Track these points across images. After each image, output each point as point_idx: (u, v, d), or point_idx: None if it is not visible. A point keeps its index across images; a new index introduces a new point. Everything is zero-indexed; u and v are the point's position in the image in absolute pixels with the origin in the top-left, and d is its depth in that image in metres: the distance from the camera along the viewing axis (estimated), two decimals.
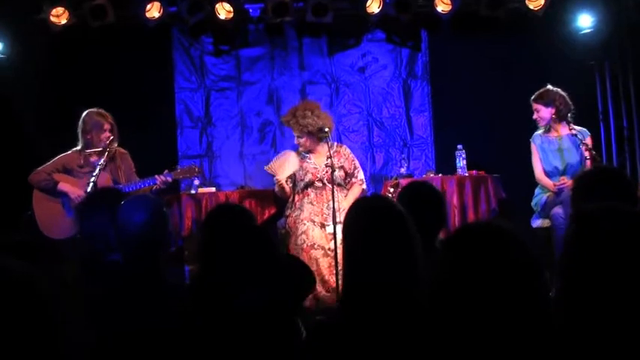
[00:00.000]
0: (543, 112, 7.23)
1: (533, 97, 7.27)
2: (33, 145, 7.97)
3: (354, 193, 7.49)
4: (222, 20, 8.41)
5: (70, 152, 7.03)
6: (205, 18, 8.41)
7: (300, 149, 7.62)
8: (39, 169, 6.98)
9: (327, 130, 7.31)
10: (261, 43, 9.18)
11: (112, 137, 6.90)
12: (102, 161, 6.65)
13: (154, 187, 6.83)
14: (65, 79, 8.41)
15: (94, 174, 6.55)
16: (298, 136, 7.54)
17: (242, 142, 9.10)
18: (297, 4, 8.42)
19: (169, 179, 6.92)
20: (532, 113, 7.32)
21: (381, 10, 8.37)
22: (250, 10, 8.56)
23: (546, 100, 7.21)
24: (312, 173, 7.46)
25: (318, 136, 7.45)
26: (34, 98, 8.24)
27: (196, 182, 7.95)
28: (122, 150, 7.13)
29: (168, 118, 9.07)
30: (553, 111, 7.19)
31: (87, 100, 7.58)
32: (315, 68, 9.19)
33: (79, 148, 7.00)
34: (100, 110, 7.02)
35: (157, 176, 6.87)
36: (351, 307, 2.91)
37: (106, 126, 6.94)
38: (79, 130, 6.99)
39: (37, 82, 8.27)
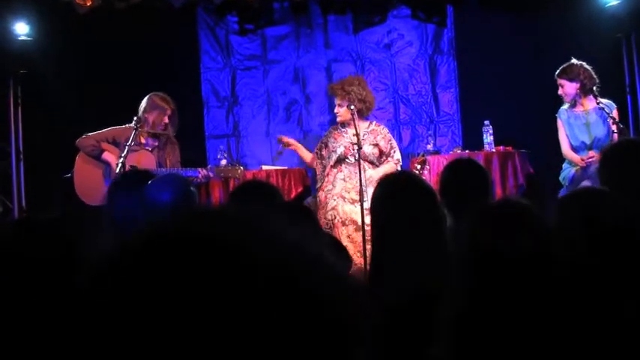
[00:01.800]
0: (568, 88, 7.20)
1: (557, 73, 7.25)
2: (61, 124, 8.03)
3: (386, 167, 7.35)
4: None
5: (124, 127, 7.07)
6: None
7: (339, 119, 7.51)
8: (89, 134, 7.09)
9: (352, 107, 7.26)
10: (287, 22, 9.17)
11: (168, 124, 7.04)
12: (130, 142, 6.68)
13: (194, 179, 6.84)
14: (91, 60, 8.43)
15: (122, 155, 6.57)
16: (339, 105, 7.43)
17: (268, 121, 9.11)
18: None
19: (211, 175, 6.98)
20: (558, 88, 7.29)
21: None
22: None
23: (570, 75, 7.17)
24: (345, 147, 7.38)
25: (359, 108, 7.41)
26: (61, 80, 8.28)
27: (223, 162, 7.95)
28: (174, 140, 7.22)
29: (194, 98, 9.08)
30: (578, 86, 7.15)
31: (113, 81, 7.64)
32: (340, 46, 9.16)
33: (131, 125, 7.07)
34: (166, 96, 7.14)
35: (199, 169, 6.93)
36: (378, 283, 2.91)
37: (168, 111, 7.06)
38: (141, 109, 7.07)
39: (63, 64, 8.30)
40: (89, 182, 7.00)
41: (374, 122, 7.65)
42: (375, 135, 7.46)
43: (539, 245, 2.07)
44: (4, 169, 8.58)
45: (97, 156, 7.02)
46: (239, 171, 7.12)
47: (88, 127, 7.22)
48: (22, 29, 8.30)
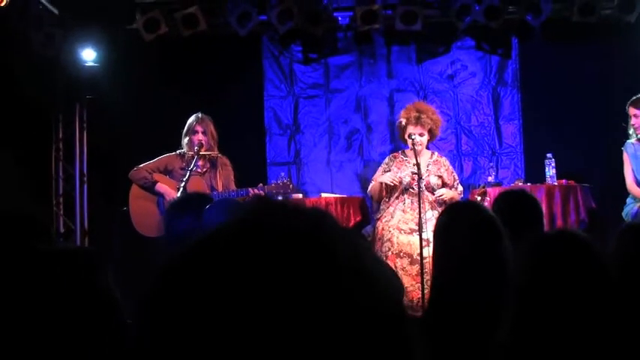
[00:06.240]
0: None
1: (632, 102, 7.09)
2: (125, 149, 8.15)
3: (454, 193, 7.36)
4: (311, 29, 8.45)
5: (172, 154, 7.15)
6: (295, 26, 8.45)
7: (419, 148, 7.24)
8: (140, 166, 7.10)
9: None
10: (350, 51, 9.21)
11: (202, 141, 6.98)
12: (192, 166, 6.74)
13: (245, 199, 6.86)
14: (157, 87, 8.53)
15: (184, 179, 6.64)
16: (420, 134, 7.25)
17: (329, 150, 9.13)
18: (385, 12, 8.41)
19: (262, 193, 6.94)
20: (625, 121, 7.16)
21: (470, 18, 8.30)
22: (339, 18, 8.61)
23: None
24: (410, 176, 7.27)
25: (434, 134, 7.41)
26: (126, 105, 8.41)
27: None
28: (224, 158, 7.21)
29: (257, 125, 9.17)
30: None
31: (177, 107, 7.72)
32: (403, 76, 9.16)
33: (180, 150, 7.13)
34: (199, 114, 7.10)
35: (250, 189, 6.90)
36: (437, 315, 2.89)
37: (197, 128, 7.02)
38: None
39: (129, 90, 8.43)
40: (145, 215, 7.03)
41: (435, 153, 7.61)
42: (438, 167, 7.41)
43: (595, 275, 2.05)
44: (67, 192, 8.75)
45: (149, 187, 7.03)
46: (290, 186, 7.09)
47: (151, 152, 7.30)
48: (89, 55, 8.48)
